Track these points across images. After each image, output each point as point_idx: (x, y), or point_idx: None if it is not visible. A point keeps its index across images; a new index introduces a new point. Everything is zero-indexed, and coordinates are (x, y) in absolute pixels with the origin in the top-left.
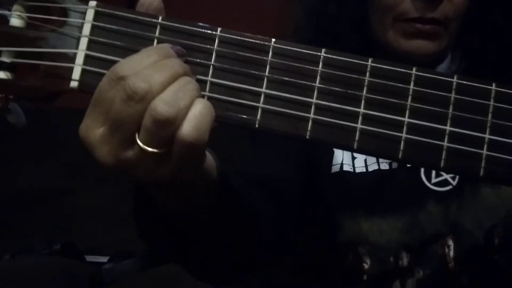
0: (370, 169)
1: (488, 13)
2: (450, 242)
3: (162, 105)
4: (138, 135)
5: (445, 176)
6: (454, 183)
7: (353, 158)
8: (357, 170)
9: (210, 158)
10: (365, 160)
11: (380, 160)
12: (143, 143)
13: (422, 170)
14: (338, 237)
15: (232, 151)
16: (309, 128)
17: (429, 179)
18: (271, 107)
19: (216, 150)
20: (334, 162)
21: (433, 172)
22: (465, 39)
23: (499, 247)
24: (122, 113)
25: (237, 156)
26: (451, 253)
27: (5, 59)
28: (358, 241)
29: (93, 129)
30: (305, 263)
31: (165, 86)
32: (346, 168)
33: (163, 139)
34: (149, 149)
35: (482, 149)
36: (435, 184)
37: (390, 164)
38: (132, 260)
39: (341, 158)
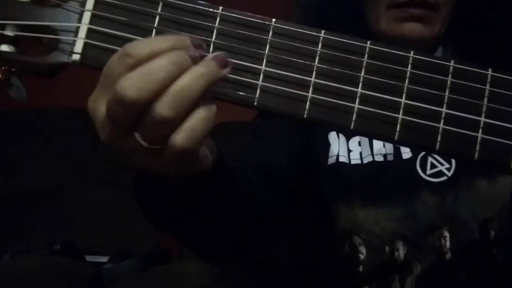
0: (365, 161)
1: (476, 5)
2: (446, 233)
3: (164, 107)
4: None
5: (440, 167)
6: (449, 174)
7: (349, 151)
8: (353, 162)
9: (203, 148)
10: (360, 153)
11: (375, 152)
12: (141, 138)
13: (418, 161)
14: (335, 226)
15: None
16: (306, 107)
17: (424, 170)
18: (270, 86)
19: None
20: (330, 154)
21: (428, 163)
22: (455, 30)
23: (495, 240)
24: (113, 111)
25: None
26: (448, 244)
27: (9, 32)
28: (354, 231)
29: (99, 104)
30: (303, 256)
31: (158, 93)
32: (342, 159)
33: (159, 137)
34: (145, 144)
35: (477, 133)
36: (430, 175)
37: (384, 156)
38: (132, 260)
39: (337, 150)
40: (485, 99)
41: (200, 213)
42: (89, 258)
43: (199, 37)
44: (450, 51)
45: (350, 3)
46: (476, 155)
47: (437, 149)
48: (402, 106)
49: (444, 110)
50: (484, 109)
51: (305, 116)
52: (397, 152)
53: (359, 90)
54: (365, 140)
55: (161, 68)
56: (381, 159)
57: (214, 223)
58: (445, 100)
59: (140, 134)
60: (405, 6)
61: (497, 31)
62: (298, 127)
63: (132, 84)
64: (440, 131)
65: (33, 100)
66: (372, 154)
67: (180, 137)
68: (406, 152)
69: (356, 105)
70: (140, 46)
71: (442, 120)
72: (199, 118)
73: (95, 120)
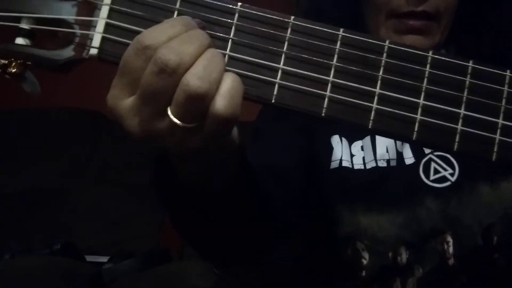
0: (368, 166)
1: (477, 8)
2: (449, 239)
3: (194, 79)
4: (170, 108)
5: (444, 173)
6: (453, 179)
7: (352, 156)
8: (355, 167)
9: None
10: (363, 158)
11: (378, 157)
12: (176, 117)
13: (421, 167)
14: (337, 231)
15: None
16: (325, 105)
17: (427, 176)
18: (288, 83)
19: None
20: (333, 158)
21: (432, 169)
22: (458, 35)
23: (497, 246)
24: (154, 85)
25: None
26: (451, 250)
27: (25, 25)
28: (357, 236)
29: (122, 99)
30: (303, 258)
31: (195, 59)
32: (345, 164)
33: (195, 114)
34: (181, 123)
35: (496, 134)
36: (434, 181)
37: (387, 162)
38: (132, 260)
39: (340, 154)
40: (503, 101)
41: (214, 212)
42: (89, 258)
43: (217, 34)
44: (453, 54)
45: (350, 7)
46: (494, 156)
47: (455, 149)
48: (420, 106)
49: (462, 111)
50: (502, 110)
51: (323, 114)
52: (400, 158)
53: (378, 89)
54: (368, 144)
55: (197, 35)
56: (384, 164)
57: (225, 222)
58: (464, 101)
59: (176, 115)
60: (406, 17)
61: (499, 33)
62: (300, 130)
63: (172, 50)
64: (458, 132)
65: (34, 100)
66: (375, 159)
67: (222, 103)
68: (409, 158)
69: (375, 104)
70: (156, 35)
71: (460, 121)
72: (233, 79)
73: (120, 116)
